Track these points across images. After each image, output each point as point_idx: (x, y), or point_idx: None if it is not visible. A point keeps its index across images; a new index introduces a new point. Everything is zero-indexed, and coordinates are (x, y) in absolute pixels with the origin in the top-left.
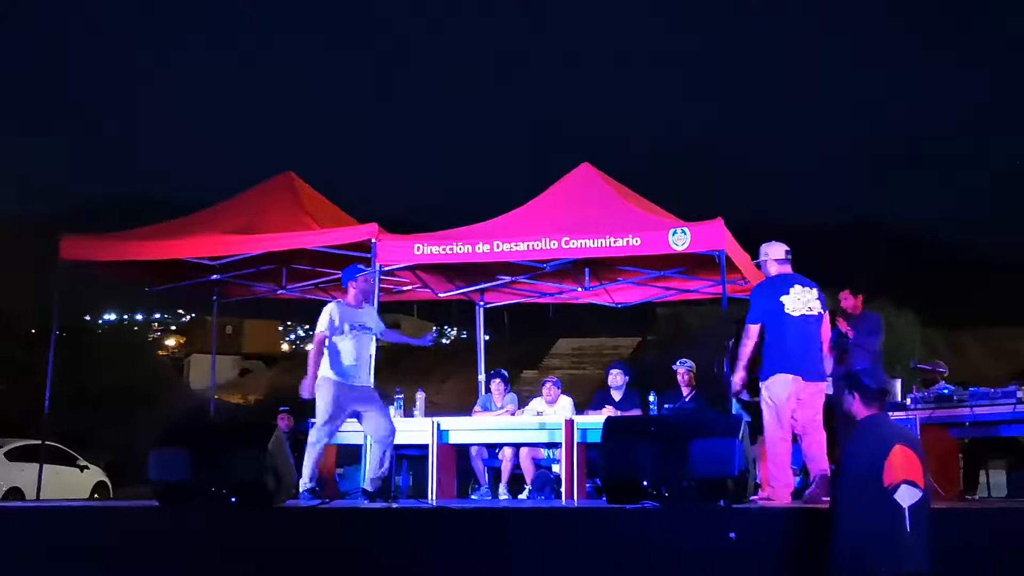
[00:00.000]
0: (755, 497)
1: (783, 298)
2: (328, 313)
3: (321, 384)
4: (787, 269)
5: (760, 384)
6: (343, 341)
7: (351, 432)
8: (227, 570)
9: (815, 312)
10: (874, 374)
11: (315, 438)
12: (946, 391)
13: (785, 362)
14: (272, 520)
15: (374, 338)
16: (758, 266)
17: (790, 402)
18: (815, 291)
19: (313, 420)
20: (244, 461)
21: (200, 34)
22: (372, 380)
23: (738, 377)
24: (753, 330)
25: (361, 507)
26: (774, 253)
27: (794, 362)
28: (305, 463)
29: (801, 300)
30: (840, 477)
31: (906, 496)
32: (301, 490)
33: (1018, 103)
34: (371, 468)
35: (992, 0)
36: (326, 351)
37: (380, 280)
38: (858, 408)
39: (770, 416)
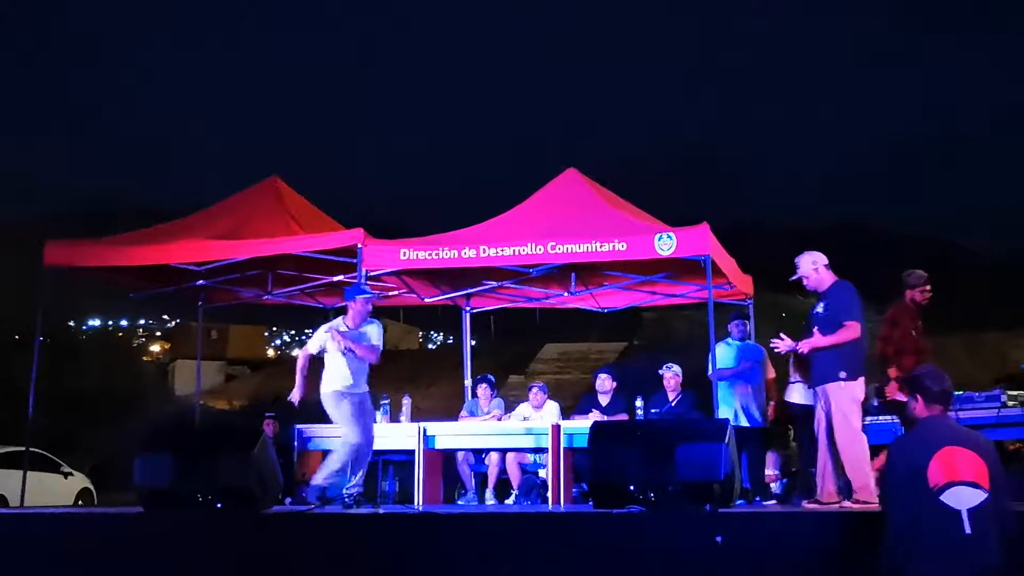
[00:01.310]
0: (847, 502)
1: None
2: (317, 336)
3: (329, 397)
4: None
5: (843, 384)
6: (334, 357)
7: (339, 438)
8: None
9: None
10: (935, 375)
11: (352, 445)
12: None
13: (862, 366)
14: (258, 526)
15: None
16: (799, 281)
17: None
18: None
19: (299, 426)
20: (230, 466)
21: (194, 34)
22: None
23: (811, 344)
24: (858, 328)
25: (347, 513)
26: (822, 260)
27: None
28: (352, 469)
29: None
30: (888, 477)
31: (962, 498)
32: (345, 494)
33: (1009, 105)
34: (354, 480)
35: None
36: (327, 365)
37: (366, 285)
38: (920, 410)
39: (853, 416)
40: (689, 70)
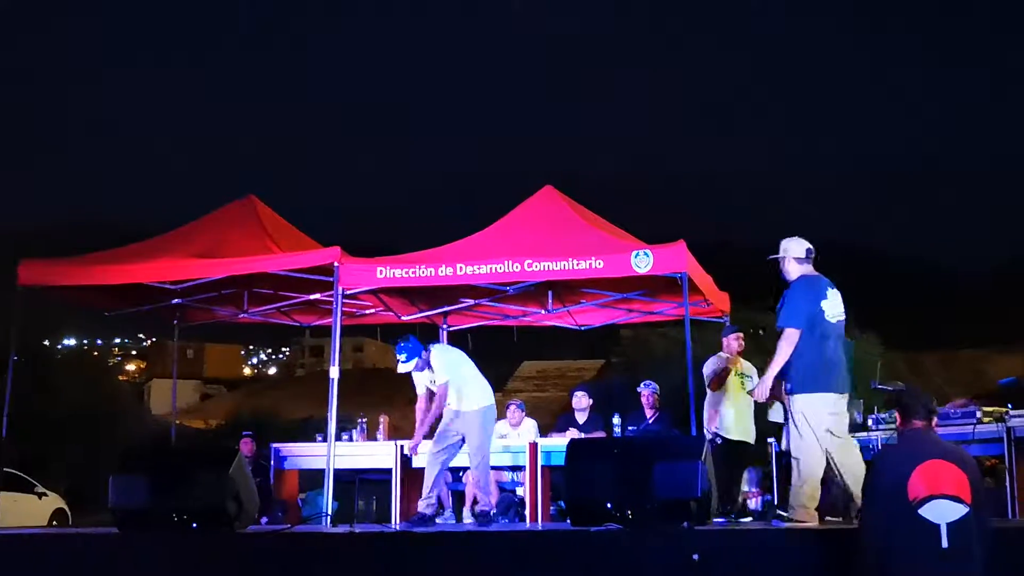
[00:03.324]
0: (777, 522)
1: (824, 303)
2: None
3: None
4: (810, 270)
5: (792, 397)
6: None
7: (316, 457)
8: None
9: (843, 319)
10: (915, 390)
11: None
12: None
13: (826, 378)
14: (234, 546)
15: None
16: (776, 263)
17: (825, 422)
18: (839, 296)
19: (275, 445)
20: (205, 486)
21: (156, 51)
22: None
23: (765, 387)
24: (794, 335)
25: (324, 532)
26: (794, 251)
27: (835, 376)
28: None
29: (836, 305)
30: (869, 490)
31: (941, 512)
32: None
33: (985, 126)
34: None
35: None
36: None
37: (342, 304)
38: (898, 423)
39: (808, 437)
40: (662, 84)
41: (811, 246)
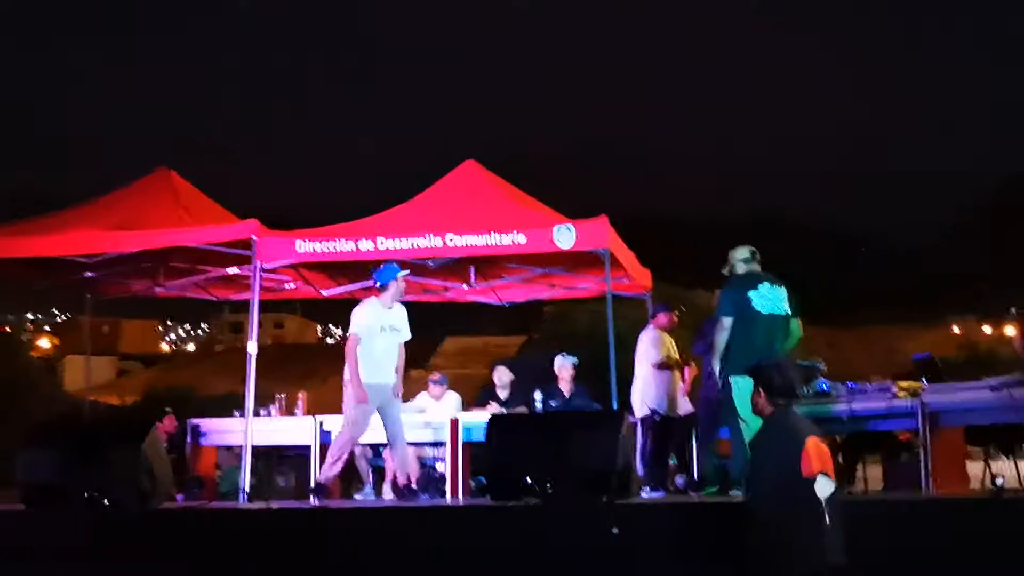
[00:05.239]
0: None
1: (751, 293)
2: (361, 314)
3: (348, 387)
4: (755, 268)
5: (726, 378)
6: (373, 341)
7: (233, 432)
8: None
9: (782, 312)
10: (781, 369)
11: (344, 440)
12: (824, 387)
13: (747, 362)
14: (148, 523)
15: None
16: (730, 273)
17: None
18: (783, 291)
19: (192, 420)
20: (117, 462)
21: (71, 30)
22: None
23: (715, 372)
24: (725, 322)
25: (240, 508)
26: (738, 255)
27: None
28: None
29: (769, 298)
30: (754, 475)
31: (823, 488)
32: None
33: (915, 103)
34: (398, 470)
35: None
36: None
37: (261, 278)
38: (763, 404)
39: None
40: (590, 55)
41: (753, 248)
